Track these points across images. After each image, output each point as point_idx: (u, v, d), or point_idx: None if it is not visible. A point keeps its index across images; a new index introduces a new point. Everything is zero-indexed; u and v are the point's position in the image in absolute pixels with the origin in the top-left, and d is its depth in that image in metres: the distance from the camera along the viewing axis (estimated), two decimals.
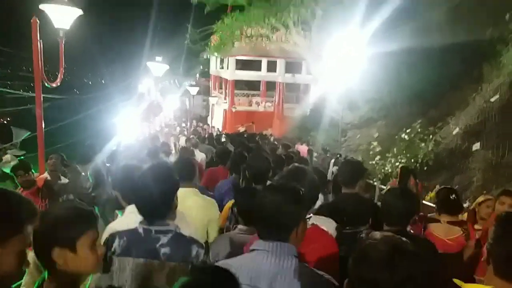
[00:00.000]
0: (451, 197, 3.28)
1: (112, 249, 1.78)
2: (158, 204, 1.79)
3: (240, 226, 2.41)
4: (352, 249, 1.32)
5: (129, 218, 2.07)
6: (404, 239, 1.20)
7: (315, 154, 11.52)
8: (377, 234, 1.26)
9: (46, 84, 5.75)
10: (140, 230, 1.80)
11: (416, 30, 12.02)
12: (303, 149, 11.66)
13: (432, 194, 7.42)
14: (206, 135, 13.65)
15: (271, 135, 16.37)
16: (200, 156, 7.29)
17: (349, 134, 15.45)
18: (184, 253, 1.77)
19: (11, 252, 1.10)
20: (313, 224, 2.15)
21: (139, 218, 1.85)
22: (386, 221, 2.44)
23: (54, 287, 1.37)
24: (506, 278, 1.37)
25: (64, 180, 5.19)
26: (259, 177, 3.29)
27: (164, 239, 1.77)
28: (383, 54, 12.62)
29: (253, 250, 1.60)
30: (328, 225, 2.33)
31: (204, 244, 1.89)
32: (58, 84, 6.06)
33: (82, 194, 4.81)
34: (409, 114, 12.34)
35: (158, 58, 14.61)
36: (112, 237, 1.82)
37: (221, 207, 3.31)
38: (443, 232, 3.19)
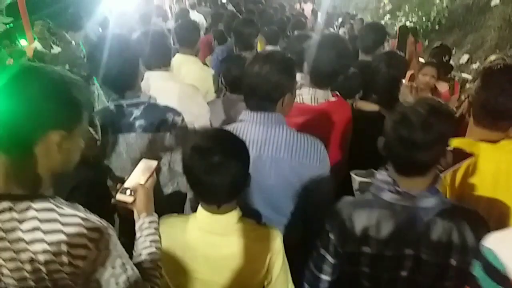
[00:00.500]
0: (444, 58, 3.35)
1: None
2: (121, 75, 1.67)
3: (228, 94, 2.34)
4: None
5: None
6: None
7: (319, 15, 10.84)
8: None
9: None
10: (112, 107, 1.74)
11: None
12: (307, 8, 10.96)
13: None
14: None
15: None
16: (197, 20, 6.85)
17: None
18: (160, 122, 1.73)
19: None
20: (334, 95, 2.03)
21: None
22: (373, 89, 2.36)
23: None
24: (483, 126, 1.49)
25: (55, 49, 4.98)
26: (247, 44, 3.10)
27: (137, 112, 1.72)
28: None
29: (241, 121, 1.58)
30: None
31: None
32: None
33: (77, 63, 4.65)
34: None
35: None
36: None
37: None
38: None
